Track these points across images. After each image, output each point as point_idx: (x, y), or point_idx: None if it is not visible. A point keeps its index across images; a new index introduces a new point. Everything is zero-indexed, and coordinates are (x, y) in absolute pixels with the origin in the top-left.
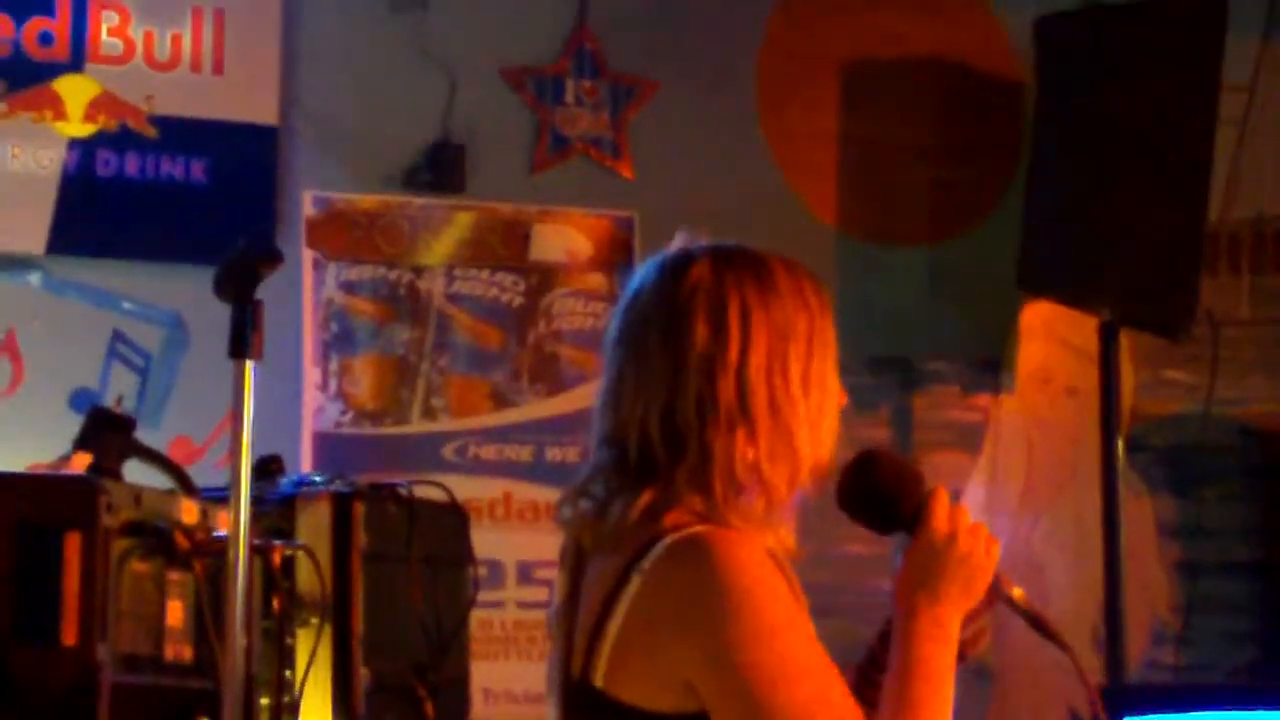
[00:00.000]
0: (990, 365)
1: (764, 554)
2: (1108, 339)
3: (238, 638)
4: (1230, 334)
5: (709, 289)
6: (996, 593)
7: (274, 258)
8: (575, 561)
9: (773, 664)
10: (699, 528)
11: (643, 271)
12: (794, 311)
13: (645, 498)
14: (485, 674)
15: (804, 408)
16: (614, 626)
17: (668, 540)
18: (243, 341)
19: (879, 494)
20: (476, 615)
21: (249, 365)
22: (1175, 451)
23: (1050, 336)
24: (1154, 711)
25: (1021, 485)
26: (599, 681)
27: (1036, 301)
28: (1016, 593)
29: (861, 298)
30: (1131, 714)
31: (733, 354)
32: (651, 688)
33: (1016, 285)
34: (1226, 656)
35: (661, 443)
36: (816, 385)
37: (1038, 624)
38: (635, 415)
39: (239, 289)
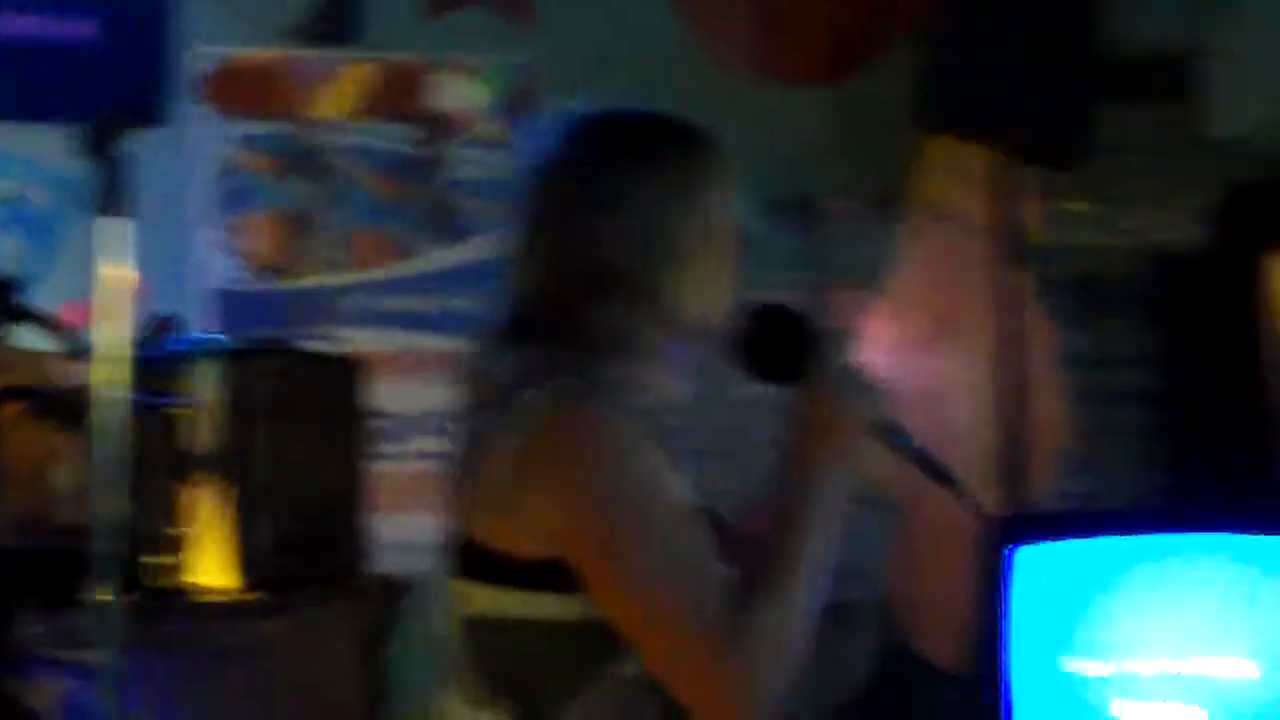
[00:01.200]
0: (891, 203)
1: (632, 415)
2: (1005, 172)
3: (119, 498)
4: (1130, 164)
5: (598, 155)
6: (884, 436)
7: (137, 117)
8: (469, 416)
9: (636, 522)
10: (573, 387)
11: (538, 136)
12: (686, 174)
13: (529, 356)
14: (389, 526)
15: (691, 269)
16: (487, 476)
17: (546, 394)
18: (109, 199)
19: (767, 347)
20: (379, 467)
21: (122, 222)
22: (1076, 282)
23: (950, 172)
24: (1054, 538)
25: (924, 321)
26: (476, 532)
27: (936, 138)
28: (911, 439)
29: (762, 141)
30: (1032, 541)
31: (619, 218)
32: (520, 535)
33: (915, 122)
34: (1129, 484)
35: (549, 304)
36: (703, 244)
37: (927, 464)
38: (527, 277)
39: (101, 147)
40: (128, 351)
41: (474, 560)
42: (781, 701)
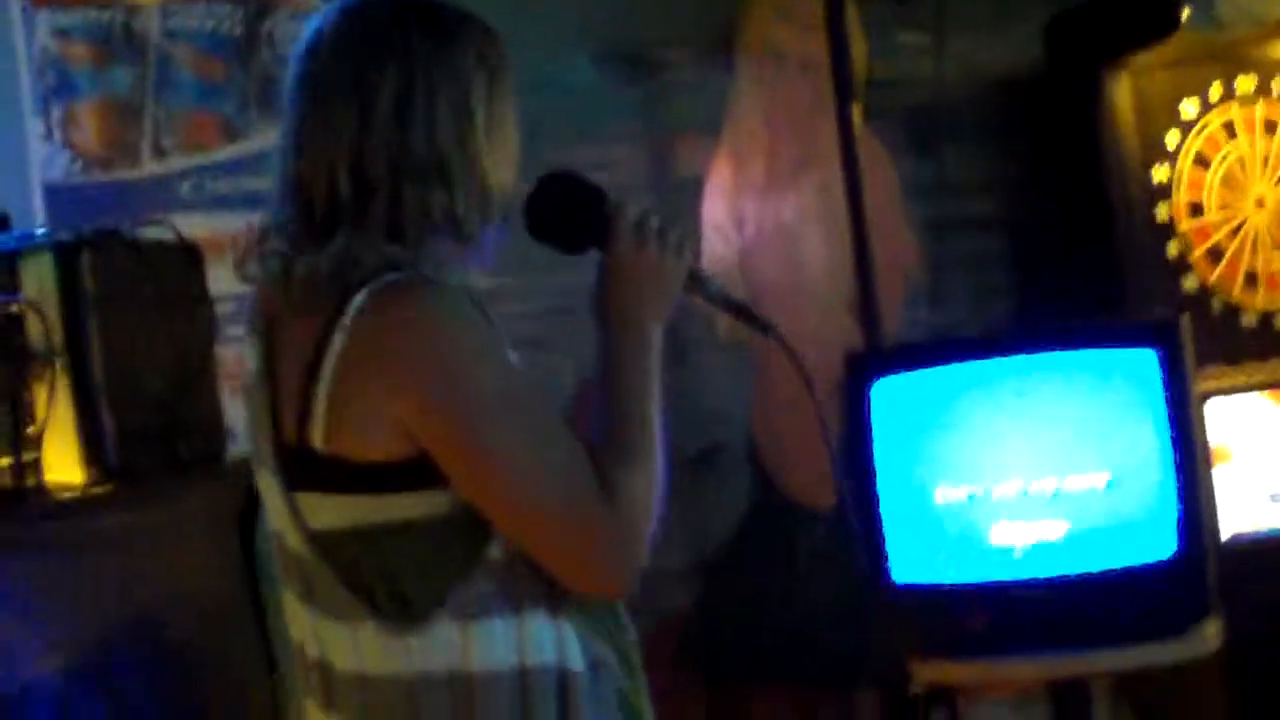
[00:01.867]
0: (722, 49)
1: (463, 295)
2: (834, 9)
3: None
4: None
5: (391, 37)
6: (697, 289)
7: None
8: (266, 326)
9: (484, 404)
10: (397, 276)
11: (322, 15)
12: (473, 56)
13: (335, 250)
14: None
15: (489, 146)
16: (323, 387)
17: (367, 290)
18: None
19: (562, 215)
20: (230, 352)
21: None
22: (912, 113)
23: (779, 13)
24: (909, 369)
25: (765, 164)
26: (318, 444)
27: None
28: (716, 284)
29: None
30: (886, 374)
31: (420, 103)
32: (368, 439)
33: None
34: (980, 311)
35: (351, 194)
36: (500, 125)
37: (741, 312)
38: (321, 167)
39: None
40: None
41: (315, 471)
42: (648, 556)
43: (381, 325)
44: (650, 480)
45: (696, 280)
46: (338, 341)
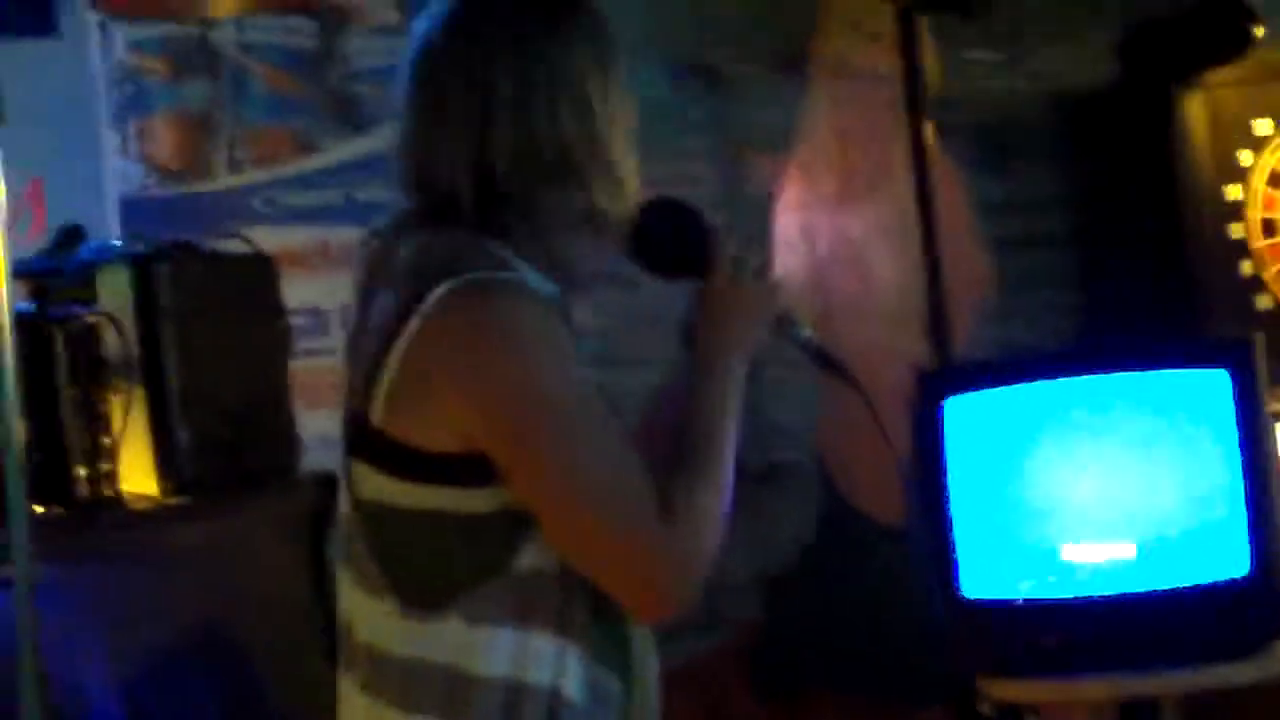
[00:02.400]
0: (795, 64)
1: (542, 302)
2: (907, 24)
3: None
4: (1029, 7)
5: (505, 30)
6: (784, 332)
7: (28, 28)
8: (364, 296)
9: (547, 413)
10: (486, 275)
11: (433, 12)
12: (589, 49)
13: (432, 241)
14: (320, 422)
15: (612, 137)
16: (391, 364)
17: (451, 282)
18: None
19: (668, 242)
20: (304, 365)
21: None
22: (984, 129)
23: (851, 28)
24: (978, 388)
25: (836, 180)
26: (375, 420)
27: None
28: (805, 330)
29: (664, 7)
30: (958, 392)
31: (541, 97)
32: (426, 429)
33: None
34: (1050, 329)
35: (472, 191)
36: (617, 111)
37: (825, 359)
38: (442, 164)
39: None
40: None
41: (372, 446)
42: (705, 581)
43: (456, 320)
44: (715, 505)
45: (785, 322)
46: (413, 325)
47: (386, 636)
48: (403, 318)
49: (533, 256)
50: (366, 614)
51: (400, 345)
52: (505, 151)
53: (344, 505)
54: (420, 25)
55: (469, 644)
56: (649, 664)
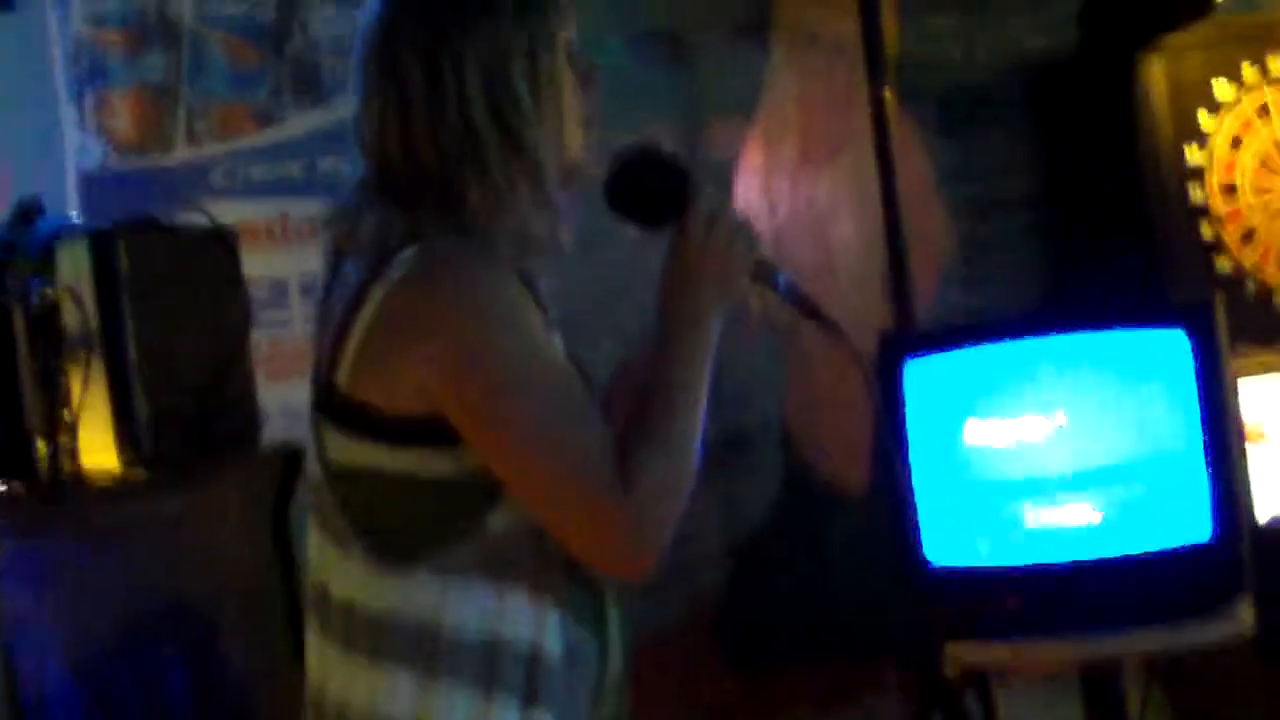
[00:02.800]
0: (756, 31)
1: (506, 274)
2: None
3: None
4: None
5: (418, 8)
6: (763, 281)
7: None
8: (332, 265)
9: (506, 374)
10: (446, 244)
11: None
12: (513, 22)
13: (394, 212)
14: (282, 394)
15: (536, 110)
16: (356, 329)
17: (416, 249)
18: None
19: (641, 191)
20: (266, 336)
21: None
22: (946, 96)
23: None
24: (941, 349)
25: (798, 146)
26: (342, 383)
27: None
28: (785, 278)
29: None
30: (919, 354)
31: (448, 88)
32: (390, 392)
33: None
34: (1013, 292)
35: (405, 168)
36: (549, 88)
37: (804, 306)
38: (378, 140)
39: None
40: None
41: (339, 410)
42: (668, 543)
43: (419, 286)
44: (678, 468)
45: (763, 271)
46: (377, 291)
47: (359, 590)
48: (367, 284)
49: (490, 226)
50: (339, 569)
51: (365, 311)
52: (429, 127)
53: (313, 467)
54: (366, 9)
55: (440, 597)
56: (622, 629)
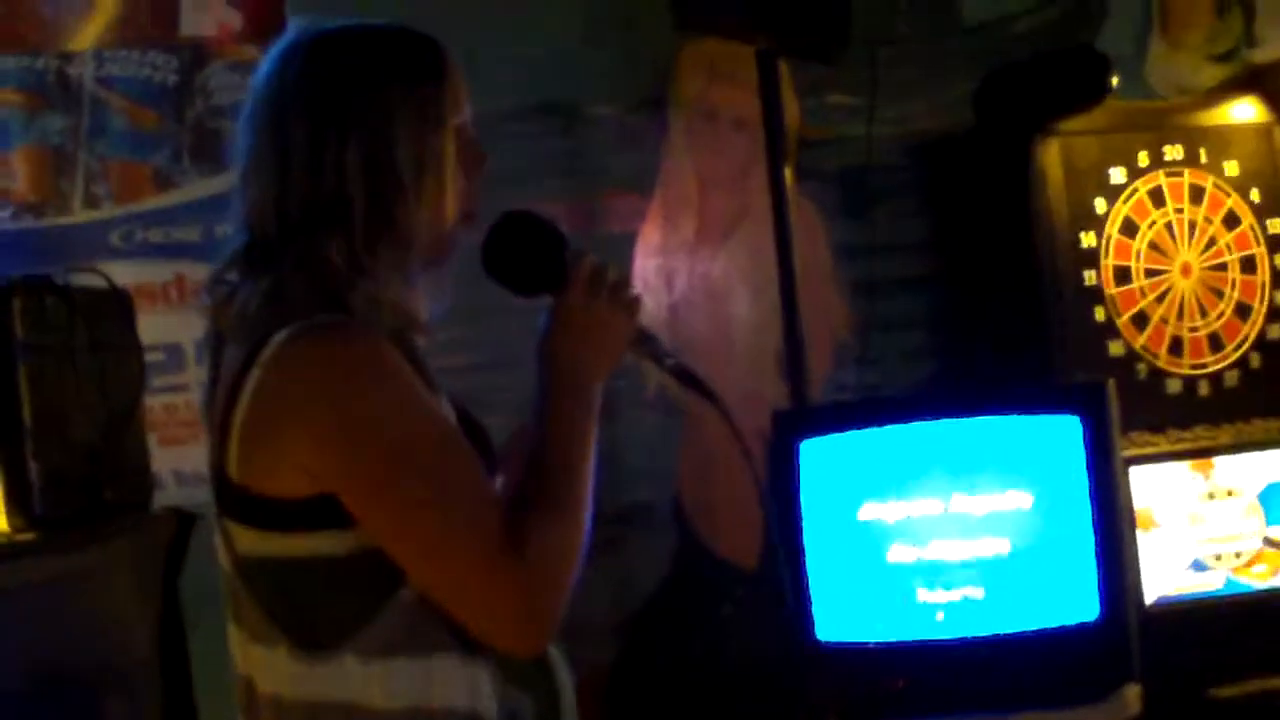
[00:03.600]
0: (655, 105)
1: (380, 339)
2: (766, 69)
3: None
4: (888, 54)
5: (311, 77)
6: (644, 350)
7: None
8: (215, 346)
9: (389, 447)
10: (317, 318)
11: (266, 57)
12: (398, 94)
13: (265, 286)
14: (175, 457)
15: (413, 194)
16: (239, 417)
17: (286, 330)
18: None
19: (521, 255)
20: (159, 400)
21: None
22: (843, 174)
23: (711, 71)
24: (835, 430)
25: (695, 221)
26: (232, 473)
27: (695, 37)
28: (662, 347)
29: (520, 46)
30: (814, 433)
31: (328, 150)
32: (278, 477)
33: (674, 22)
34: (907, 372)
35: (277, 232)
36: (430, 165)
37: (687, 378)
38: (256, 203)
39: None
40: None
41: (234, 500)
42: (562, 614)
43: (294, 366)
44: (569, 537)
45: (644, 340)
46: (255, 376)
47: (286, 683)
48: (245, 370)
49: (364, 295)
50: (261, 663)
51: (245, 397)
52: (301, 195)
53: (223, 562)
54: (256, 70)
55: (368, 677)
56: (562, 680)
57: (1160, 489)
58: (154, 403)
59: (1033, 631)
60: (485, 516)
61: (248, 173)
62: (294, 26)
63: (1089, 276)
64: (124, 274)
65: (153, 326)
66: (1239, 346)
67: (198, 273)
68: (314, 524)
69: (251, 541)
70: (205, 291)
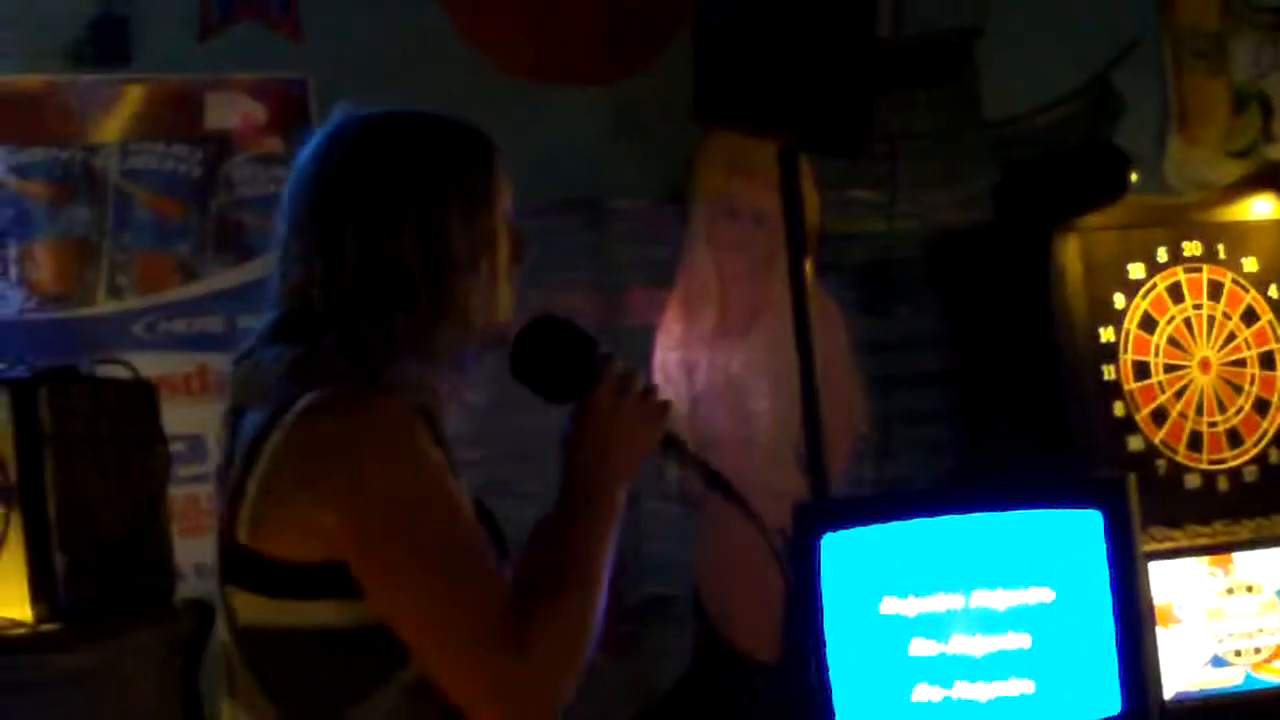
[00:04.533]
0: (676, 200)
1: (410, 414)
2: (788, 164)
3: None
4: (908, 148)
5: (361, 160)
6: (672, 454)
7: None
8: (234, 420)
9: (401, 523)
10: (344, 386)
11: (309, 142)
12: (451, 175)
13: (296, 353)
14: (196, 550)
15: (469, 273)
16: (254, 481)
17: (312, 396)
18: None
19: (550, 361)
20: (182, 492)
21: None
22: (863, 269)
23: (733, 166)
24: (857, 524)
25: (716, 315)
26: (243, 537)
27: (716, 132)
28: (690, 452)
29: (544, 141)
30: (835, 527)
31: (385, 226)
32: (289, 541)
33: (696, 117)
34: (926, 466)
35: (323, 310)
36: (485, 246)
37: (714, 480)
38: (299, 283)
39: None
40: None
41: (241, 567)
42: (564, 706)
43: (318, 429)
44: (576, 638)
45: (672, 444)
46: (275, 438)
47: None
48: (266, 431)
49: (400, 372)
50: None
51: (263, 459)
52: (357, 270)
53: (223, 636)
54: (298, 154)
55: None
56: None
57: (1179, 584)
58: (176, 494)
59: None
60: (493, 601)
61: (292, 249)
62: (341, 109)
63: (1108, 371)
64: (147, 364)
65: (175, 417)
66: (1258, 442)
67: (220, 363)
68: (320, 592)
69: (253, 610)
70: (232, 366)
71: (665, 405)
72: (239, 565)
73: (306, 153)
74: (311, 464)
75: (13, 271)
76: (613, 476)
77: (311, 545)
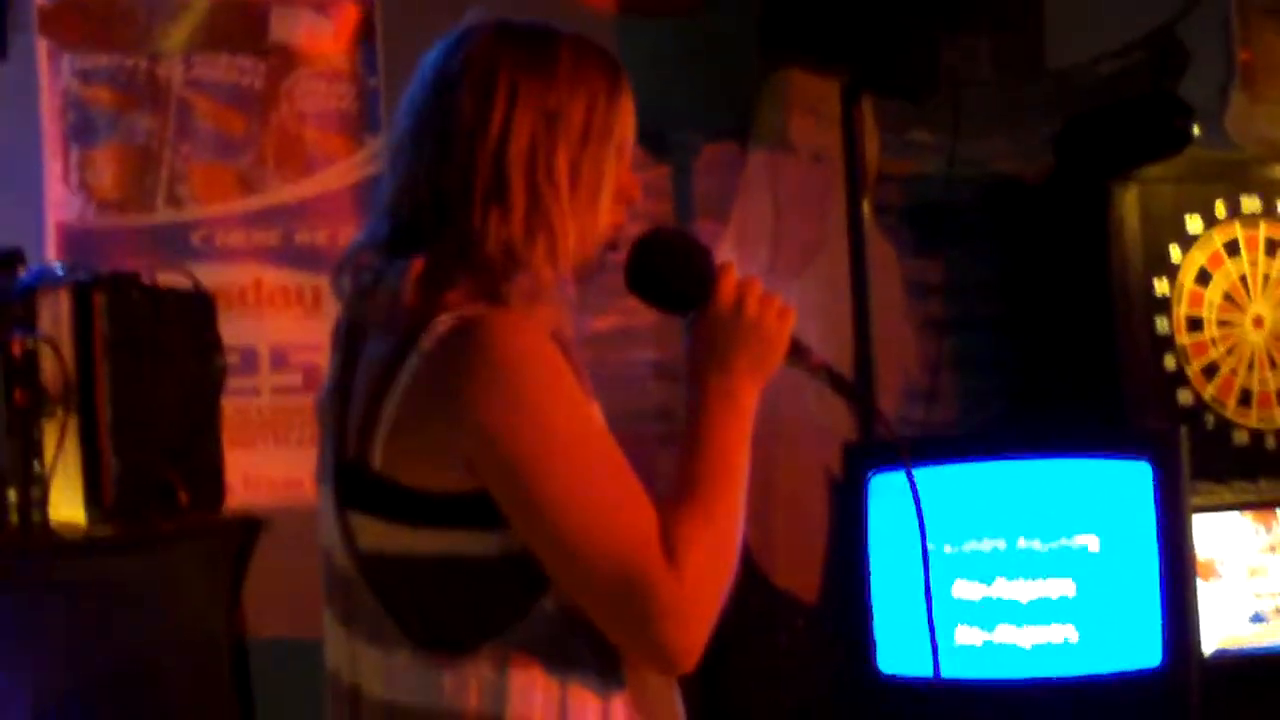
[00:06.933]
0: (737, 134)
1: (545, 336)
2: (849, 103)
3: None
4: (971, 94)
5: (483, 63)
6: (796, 358)
7: None
8: (349, 340)
9: (551, 445)
10: (477, 308)
11: (435, 47)
12: (570, 97)
13: (418, 270)
14: (244, 460)
15: (568, 198)
16: (390, 407)
17: (446, 319)
18: None
19: (666, 271)
20: (232, 403)
21: None
22: (920, 211)
23: (794, 103)
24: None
25: (770, 251)
26: (376, 464)
27: (779, 69)
28: (816, 357)
29: None
30: (883, 468)
31: (494, 131)
32: (430, 469)
33: (759, 54)
34: (975, 411)
35: (430, 213)
36: (588, 176)
37: (840, 384)
38: (407, 185)
39: None
40: None
41: (373, 493)
42: (713, 630)
43: (457, 356)
44: (724, 551)
45: (798, 349)
46: (412, 364)
47: (406, 691)
48: (400, 356)
49: (521, 289)
50: (375, 669)
51: (400, 384)
52: (462, 173)
53: (341, 563)
54: (428, 53)
55: (500, 688)
56: (680, 714)
57: (1222, 540)
58: (226, 405)
59: (1093, 676)
60: (646, 523)
61: (402, 151)
62: (472, 14)
63: (1161, 324)
64: (203, 275)
65: (228, 329)
66: None
67: (275, 276)
68: (460, 521)
69: (383, 536)
70: (339, 277)
71: (787, 309)
72: (368, 489)
73: (429, 56)
74: (455, 392)
75: (74, 177)
76: (745, 380)
77: (454, 474)
